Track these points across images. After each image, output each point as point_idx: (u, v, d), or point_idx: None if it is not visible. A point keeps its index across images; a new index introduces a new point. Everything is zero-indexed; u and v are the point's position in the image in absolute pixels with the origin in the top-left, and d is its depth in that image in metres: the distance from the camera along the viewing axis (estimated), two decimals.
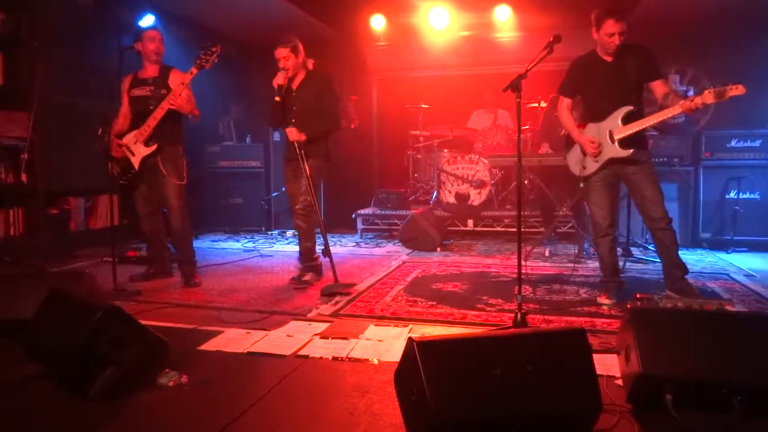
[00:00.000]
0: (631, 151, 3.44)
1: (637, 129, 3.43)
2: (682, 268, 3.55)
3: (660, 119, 3.40)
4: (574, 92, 3.69)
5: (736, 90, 3.19)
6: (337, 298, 3.79)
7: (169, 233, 4.35)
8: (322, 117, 4.12)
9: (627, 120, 3.46)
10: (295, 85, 4.16)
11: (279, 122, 4.16)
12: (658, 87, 3.51)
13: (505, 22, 6.56)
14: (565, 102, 3.69)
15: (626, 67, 3.48)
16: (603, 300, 3.61)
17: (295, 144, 3.99)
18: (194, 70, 3.94)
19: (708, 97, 3.21)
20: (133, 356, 2.27)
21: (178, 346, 2.63)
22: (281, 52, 4.05)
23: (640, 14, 6.15)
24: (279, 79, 4.00)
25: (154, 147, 4.10)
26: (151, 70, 4.19)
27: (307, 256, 4.29)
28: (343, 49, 7.51)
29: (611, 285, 3.67)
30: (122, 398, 2.23)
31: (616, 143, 3.47)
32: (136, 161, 4.13)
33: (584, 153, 3.59)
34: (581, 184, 3.60)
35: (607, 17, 3.38)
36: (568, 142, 3.78)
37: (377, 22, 6.89)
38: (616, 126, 3.48)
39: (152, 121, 4.01)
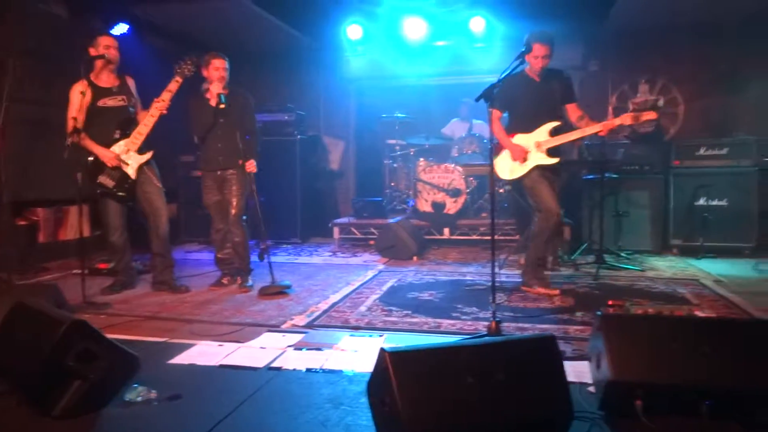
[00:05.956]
0: (557, 159, 3.91)
1: (563, 141, 3.89)
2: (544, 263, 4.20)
3: (582, 135, 3.89)
4: (506, 106, 4.03)
5: (650, 115, 3.78)
6: (312, 309, 3.77)
7: (157, 239, 4.29)
8: (249, 134, 4.33)
9: (554, 133, 3.90)
10: None
11: (209, 131, 4.30)
12: (573, 109, 4.02)
13: (480, 32, 6.63)
14: (497, 114, 4.05)
15: (552, 87, 3.95)
16: (539, 290, 4.01)
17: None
18: (179, 79, 4.05)
19: (626, 119, 3.76)
20: (100, 371, 2.21)
21: (148, 360, 2.58)
22: (223, 63, 4.20)
23: (611, 25, 6.28)
24: (219, 88, 4.15)
25: (150, 154, 4.16)
26: (109, 79, 4.15)
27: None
28: (319, 58, 7.52)
29: (538, 273, 4.09)
30: (88, 415, 2.17)
31: (545, 152, 3.90)
32: (132, 171, 4.11)
33: (513, 159, 3.99)
34: (508, 187, 4.23)
35: (534, 41, 3.77)
36: (497, 150, 4.14)
37: (354, 32, 6.91)
38: (544, 137, 3.91)
39: (144, 129, 4.07)
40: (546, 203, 3.91)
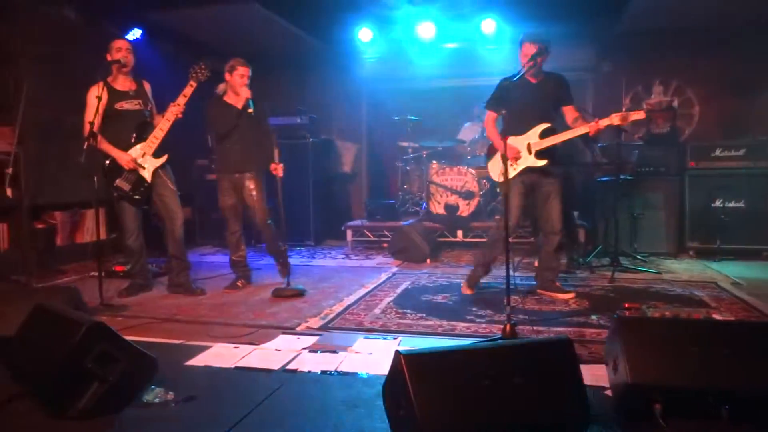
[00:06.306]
0: (546, 162, 3.86)
1: (552, 143, 3.84)
2: (555, 271, 4.13)
3: (570, 136, 3.83)
4: (501, 108, 3.99)
5: (638, 114, 3.73)
6: (326, 311, 3.78)
7: (172, 242, 4.33)
8: (266, 144, 4.40)
9: (544, 135, 3.87)
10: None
11: (229, 133, 4.37)
12: (569, 111, 3.96)
13: (491, 34, 6.62)
14: (492, 116, 4.06)
15: (547, 89, 3.93)
16: (465, 290, 4.16)
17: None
18: (194, 83, 4.11)
19: (614, 119, 3.67)
20: (118, 373, 2.24)
21: (164, 361, 2.60)
22: (247, 71, 4.31)
23: (624, 26, 6.24)
24: (248, 93, 4.22)
25: (165, 157, 4.22)
26: (126, 82, 4.20)
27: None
28: (330, 62, 7.54)
29: (476, 278, 4.21)
30: (107, 416, 2.20)
31: (533, 154, 3.88)
32: (148, 174, 4.17)
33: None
34: (498, 189, 4.03)
35: (526, 40, 3.82)
36: (490, 152, 4.13)
37: (365, 35, 6.93)
38: (534, 139, 3.89)
39: (160, 133, 4.13)
40: (507, 215, 3.90)
